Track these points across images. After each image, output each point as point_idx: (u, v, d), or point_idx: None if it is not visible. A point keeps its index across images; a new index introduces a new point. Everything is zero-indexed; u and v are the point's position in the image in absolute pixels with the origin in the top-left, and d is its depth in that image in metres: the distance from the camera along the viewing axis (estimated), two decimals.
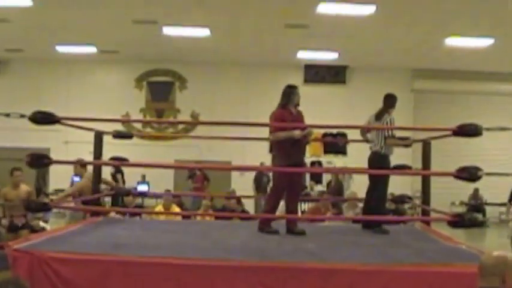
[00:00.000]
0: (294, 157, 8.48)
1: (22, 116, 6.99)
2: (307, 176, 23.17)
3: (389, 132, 8.94)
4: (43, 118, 7.20)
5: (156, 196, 20.92)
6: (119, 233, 8.33)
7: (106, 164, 11.71)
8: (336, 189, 20.91)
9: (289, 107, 8.62)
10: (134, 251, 6.56)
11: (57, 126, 8.86)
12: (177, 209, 13.96)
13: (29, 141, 22.02)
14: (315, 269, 6.08)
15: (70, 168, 22.20)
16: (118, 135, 10.54)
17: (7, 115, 6.93)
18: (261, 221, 8.66)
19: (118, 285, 5.99)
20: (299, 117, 8.71)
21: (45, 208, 7.71)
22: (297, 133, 8.42)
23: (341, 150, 25.57)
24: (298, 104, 8.73)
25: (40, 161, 7.42)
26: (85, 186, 11.93)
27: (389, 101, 9.26)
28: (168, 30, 20.14)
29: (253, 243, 7.78)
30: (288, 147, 8.42)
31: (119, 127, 17.28)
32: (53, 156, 7.78)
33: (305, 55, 23.60)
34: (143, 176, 24.46)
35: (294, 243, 7.76)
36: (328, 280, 5.96)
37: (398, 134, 9.46)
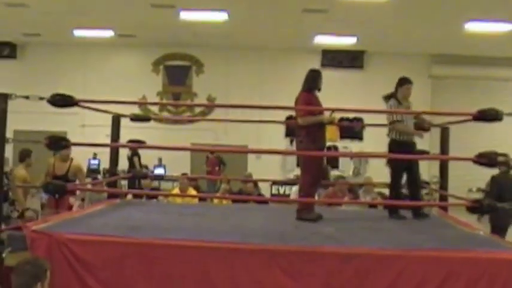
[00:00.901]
0: (320, 141, 8.53)
1: (41, 98, 6.99)
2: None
3: (394, 117, 8.90)
4: (62, 101, 7.20)
5: (173, 180, 20.98)
6: (136, 215, 8.36)
7: (123, 146, 11.73)
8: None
9: (313, 92, 8.60)
10: (152, 234, 6.57)
11: (74, 110, 8.88)
12: (194, 193, 13.97)
13: (46, 125, 22.10)
14: (333, 253, 6.08)
15: (87, 152, 22.46)
16: (135, 118, 10.55)
17: (26, 97, 6.92)
18: (299, 207, 8.58)
19: (136, 267, 6.02)
20: (320, 101, 8.69)
21: (64, 191, 7.73)
22: (325, 118, 8.44)
23: (357, 136, 25.50)
24: (320, 89, 8.70)
25: (58, 143, 7.43)
26: (49, 165, 11.85)
27: (397, 83, 9.22)
28: (186, 14, 20.09)
29: (271, 227, 7.79)
30: (315, 132, 8.42)
31: (136, 111, 17.29)
32: (70, 139, 7.77)
33: (323, 40, 23.48)
34: (159, 160, 24.50)
35: (312, 227, 7.77)
36: (346, 264, 5.97)
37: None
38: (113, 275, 6.01)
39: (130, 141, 10.52)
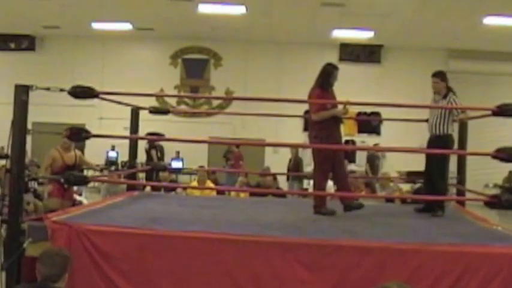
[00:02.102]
0: (335, 135, 8.52)
1: (62, 90, 7.03)
2: None
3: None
4: (82, 92, 7.23)
5: (191, 173, 21.06)
6: (155, 207, 8.42)
7: (142, 138, 11.77)
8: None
9: (327, 87, 8.57)
10: (171, 225, 6.63)
11: (92, 102, 8.96)
12: (211, 186, 14.00)
13: (64, 117, 22.22)
14: (351, 246, 6.09)
15: (105, 144, 22.55)
16: (155, 110, 10.58)
17: (47, 89, 6.96)
18: (315, 203, 8.60)
19: (155, 259, 6.05)
20: (335, 97, 8.68)
21: (85, 181, 7.78)
22: (339, 111, 8.43)
23: (374, 130, 25.52)
24: (332, 85, 8.67)
25: (79, 134, 7.49)
26: (55, 155, 11.80)
27: None
28: (204, 8, 20.14)
29: (289, 220, 7.80)
30: (330, 127, 8.41)
31: (153, 104, 17.35)
32: None
33: (340, 34, 23.50)
34: (177, 153, 24.59)
35: (330, 220, 7.79)
36: (364, 258, 5.97)
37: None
38: (133, 266, 6.05)
39: (149, 134, 10.57)
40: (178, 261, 6.06)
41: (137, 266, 6.06)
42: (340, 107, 8.55)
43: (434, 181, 8.98)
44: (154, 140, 14.46)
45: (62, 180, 11.18)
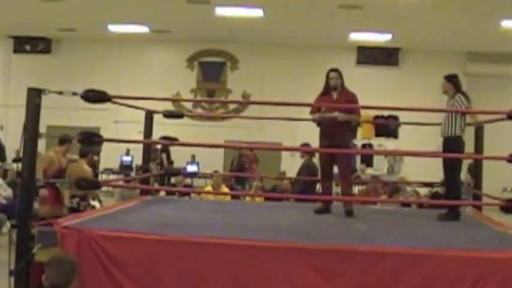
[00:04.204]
0: (323, 138, 8.74)
1: (74, 94, 6.99)
2: (358, 159, 23.18)
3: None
4: (95, 96, 7.20)
5: (206, 177, 21.01)
6: (168, 212, 8.37)
7: (156, 142, 11.71)
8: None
9: (330, 91, 8.64)
10: (183, 231, 6.56)
11: (107, 106, 8.91)
12: (226, 190, 13.95)
13: (80, 121, 22.29)
14: (364, 251, 6.01)
15: (120, 148, 22.55)
16: (169, 114, 10.52)
17: (60, 93, 6.92)
18: None
19: (166, 265, 6.00)
20: (338, 101, 8.72)
21: (97, 186, 7.76)
22: (316, 116, 8.72)
23: (392, 133, 25.39)
24: (335, 88, 8.70)
25: (91, 139, 7.44)
26: (52, 157, 11.60)
27: None
28: (221, 10, 20.12)
29: (303, 225, 7.76)
30: (321, 130, 8.77)
31: (169, 107, 17.31)
32: (103, 135, 7.77)
33: (358, 36, 23.44)
34: (193, 156, 24.56)
35: (344, 225, 7.74)
36: (378, 263, 5.90)
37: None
38: (143, 271, 6.00)
39: (162, 138, 10.52)
40: (189, 267, 6.00)
41: (148, 271, 6.01)
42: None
43: (447, 184, 8.93)
44: (168, 144, 14.43)
45: (58, 184, 11.22)
